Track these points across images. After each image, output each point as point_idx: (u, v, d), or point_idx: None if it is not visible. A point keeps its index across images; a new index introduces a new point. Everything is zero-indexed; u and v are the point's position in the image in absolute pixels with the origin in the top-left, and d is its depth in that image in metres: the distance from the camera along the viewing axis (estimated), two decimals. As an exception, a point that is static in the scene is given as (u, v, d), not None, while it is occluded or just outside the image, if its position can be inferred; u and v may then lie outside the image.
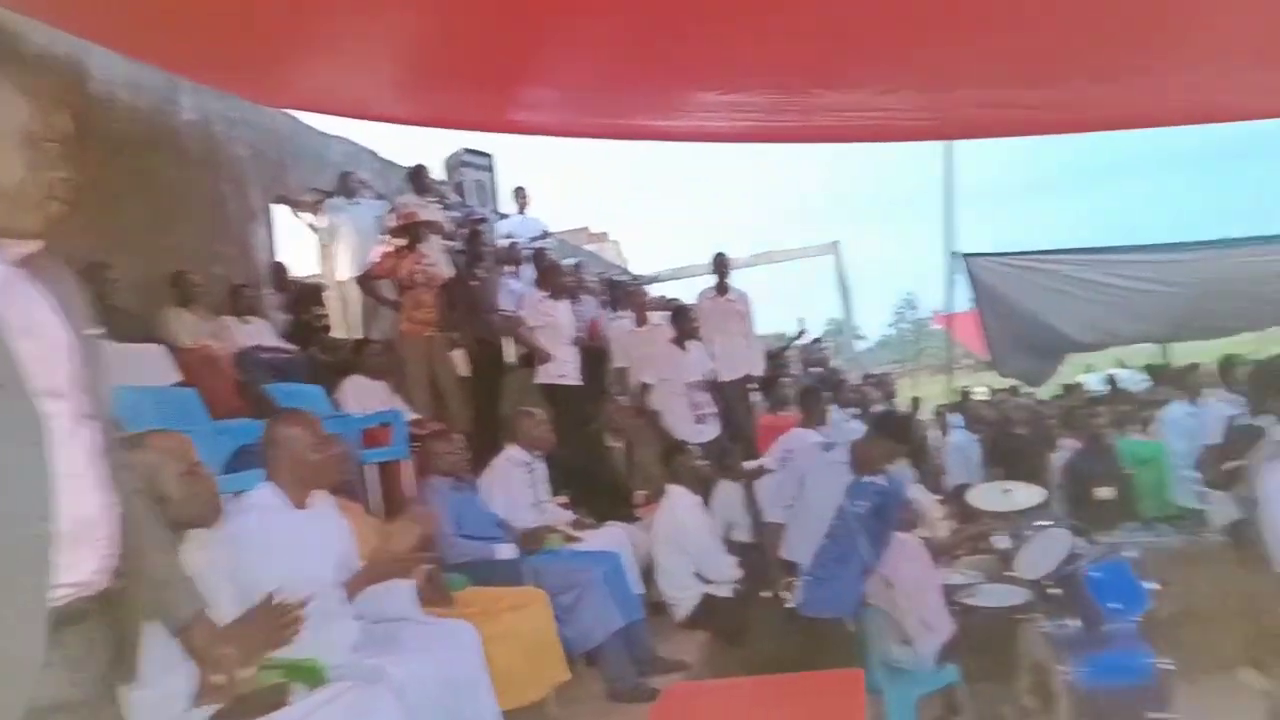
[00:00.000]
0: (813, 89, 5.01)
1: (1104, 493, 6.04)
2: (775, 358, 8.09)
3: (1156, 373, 8.52)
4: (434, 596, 3.10)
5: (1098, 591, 4.32)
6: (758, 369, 7.09)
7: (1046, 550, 4.63)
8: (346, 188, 7.12)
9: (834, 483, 4.11)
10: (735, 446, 5.85)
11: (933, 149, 7.60)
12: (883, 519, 4.42)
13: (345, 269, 6.70)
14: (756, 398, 7.41)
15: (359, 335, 6.44)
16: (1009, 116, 5.20)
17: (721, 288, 7.04)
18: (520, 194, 9.22)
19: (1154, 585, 4.36)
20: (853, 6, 4.00)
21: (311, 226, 7.17)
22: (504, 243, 8.06)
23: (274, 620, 1.84)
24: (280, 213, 7.21)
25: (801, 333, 8.83)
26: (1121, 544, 5.01)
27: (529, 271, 7.27)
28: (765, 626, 4.38)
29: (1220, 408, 5.74)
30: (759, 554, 4.78)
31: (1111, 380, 10.63)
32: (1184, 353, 9.66)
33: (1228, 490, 4.87)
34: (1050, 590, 4.48)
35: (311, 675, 2.24)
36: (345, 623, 2.52)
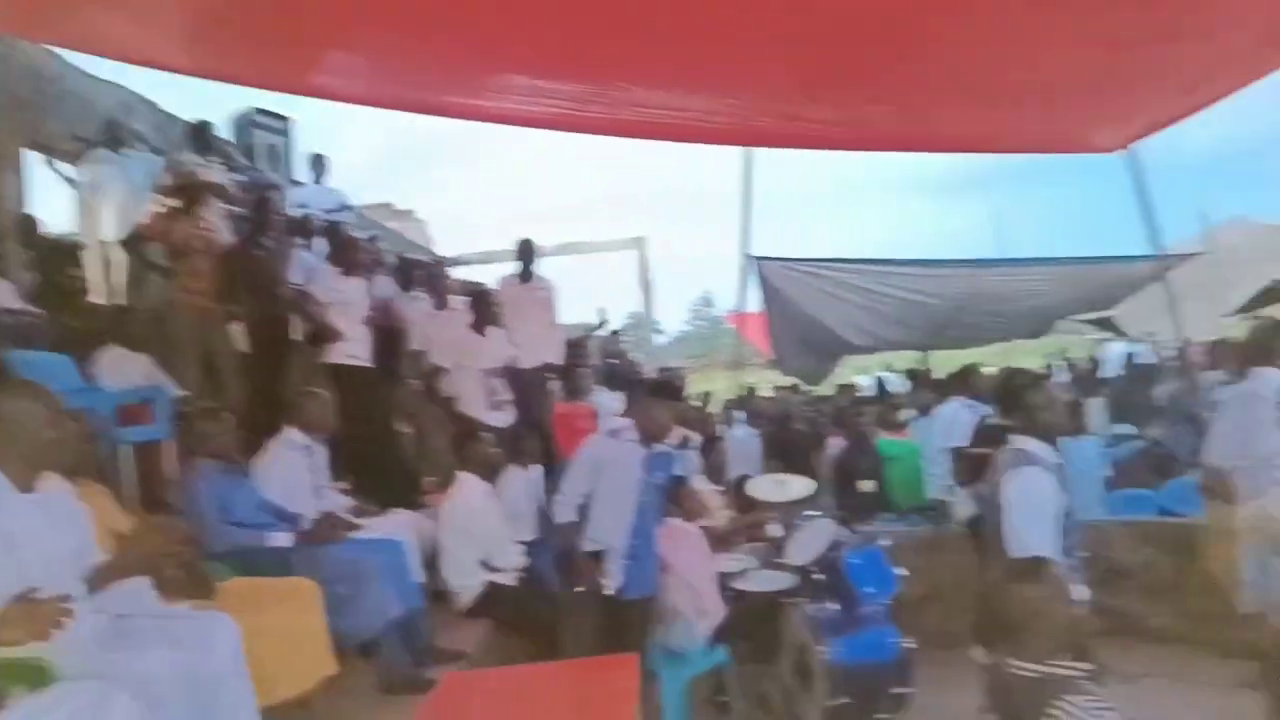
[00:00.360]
0: (620, 83, 5.07)
1: (865, 486, 6.58)
2: (575, 347, 8.15)
3: (916, 376, 9.35)
4: (193, 588, 2.88)
5: (855, 576, 4.70)
6: (557, 357, 7.12)
7: (813, 538, 4.98)
8: (114, 138, 6.44)
9: (631, 462, 4.22)
10: (528, 434, 5.85)
11: (734, 153, 7.90)
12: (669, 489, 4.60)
13: (109, 228, 6.07)
14: (554, 386, 7.44)
15: (122, 302, 5.86)
16: (800, 130, 5.49)
17: (526, 275, 7.01)
18: (318, 162, 8.72)
19: (903, 571, 4.81)
20: (659, 5, 4.08)
21: (69, 179, 6.44)
22: (297, 213, 7.61)
23: (33, 615, 1.67)
24: (34, 161, 6.42)
25: (602, 323, 8.95)
26: (878, 533, 5.47)
27: (322, 245, 6.90)
28: (552, 614, 4.42)
29: (969, 412, 6.31)
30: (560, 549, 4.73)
31: (879, 382, 11.56)
32: (942, 360, 10.64)
33: (972, 486, 5.40)
34: (814, 576, 4.82)
35: (35, 675, 2.02)
36: (80, 616, 2.29)
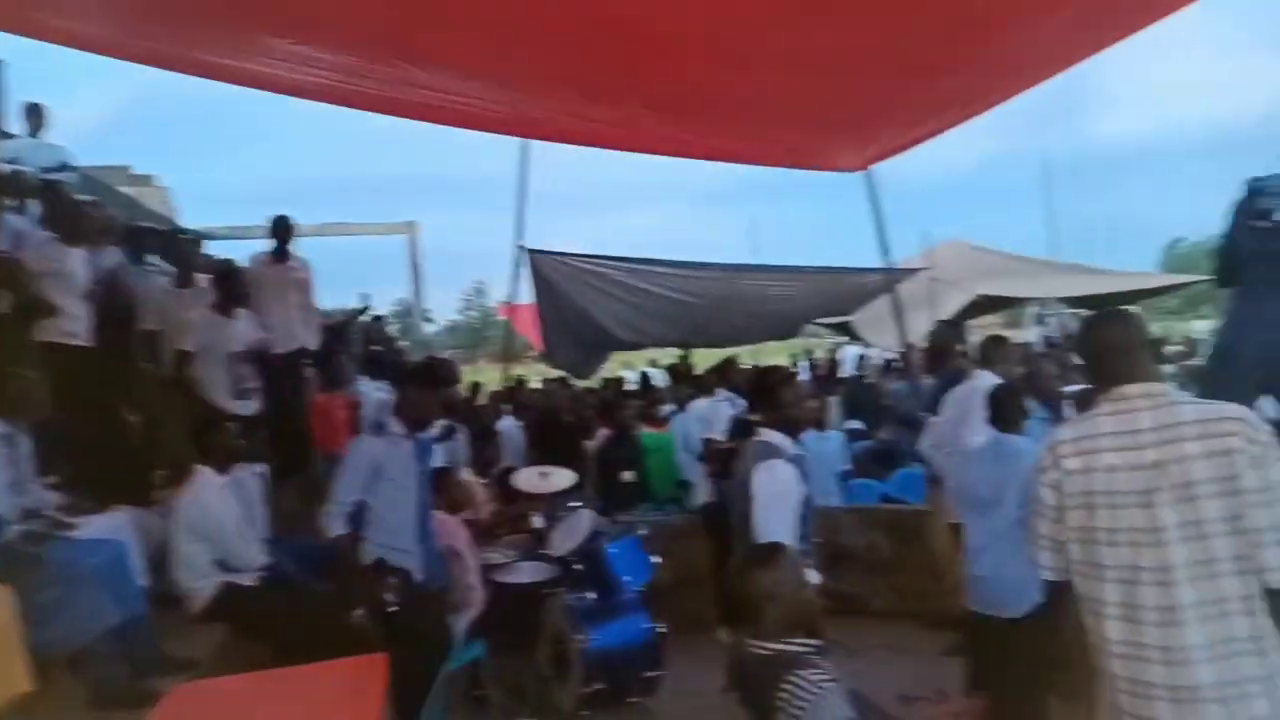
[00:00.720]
0: (394, 60, 4.89)
1: (627, 476, 6.79)
2: (335, 333, 7.74)
3: (677, 372, 9.76)
4: None
5: (614, 565, 4.85)
6: (313, 343, 6.72)
7: (574, 529, 5.07)
8: None
9: (405, 456, 4.06)
10: (261, 429, 5.44)
11: (512, 144, 7.85)
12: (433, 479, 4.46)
13: None
14: (311, 374, 7.02)
15: None
16: (575, 126, 5.56)
17: (281, 254, 6.55)
18: (34, 112, 7.61)
19: (657, 559, 5.02)
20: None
21: None
22: (5, 169, 6.62)
23: None
24: None
25: (365, 308, 8.54)
26: (636, 522, 5.67)
27: (37, 208, 6.05)
28: (297, 615, 4.17)
29: (728, 405, 6.66)
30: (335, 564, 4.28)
31: (644, 377, 11.96)
32: (703, 357, 11.20)
33: (724, 476, 5.70)
34: (575, 566, 4.92)
35: None
36: None
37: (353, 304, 8.92)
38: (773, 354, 17.31)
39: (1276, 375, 3.57)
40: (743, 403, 6.11)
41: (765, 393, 3.75)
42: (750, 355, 14.61)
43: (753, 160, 6.69)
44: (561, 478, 5.52)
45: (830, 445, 7.35)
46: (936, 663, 5.16)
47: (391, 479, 3.96)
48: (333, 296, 9.82)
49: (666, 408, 8.27)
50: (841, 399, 9.96)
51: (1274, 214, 3.55)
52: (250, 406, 5.84)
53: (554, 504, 5.46)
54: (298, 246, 6.69)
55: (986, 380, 4.63)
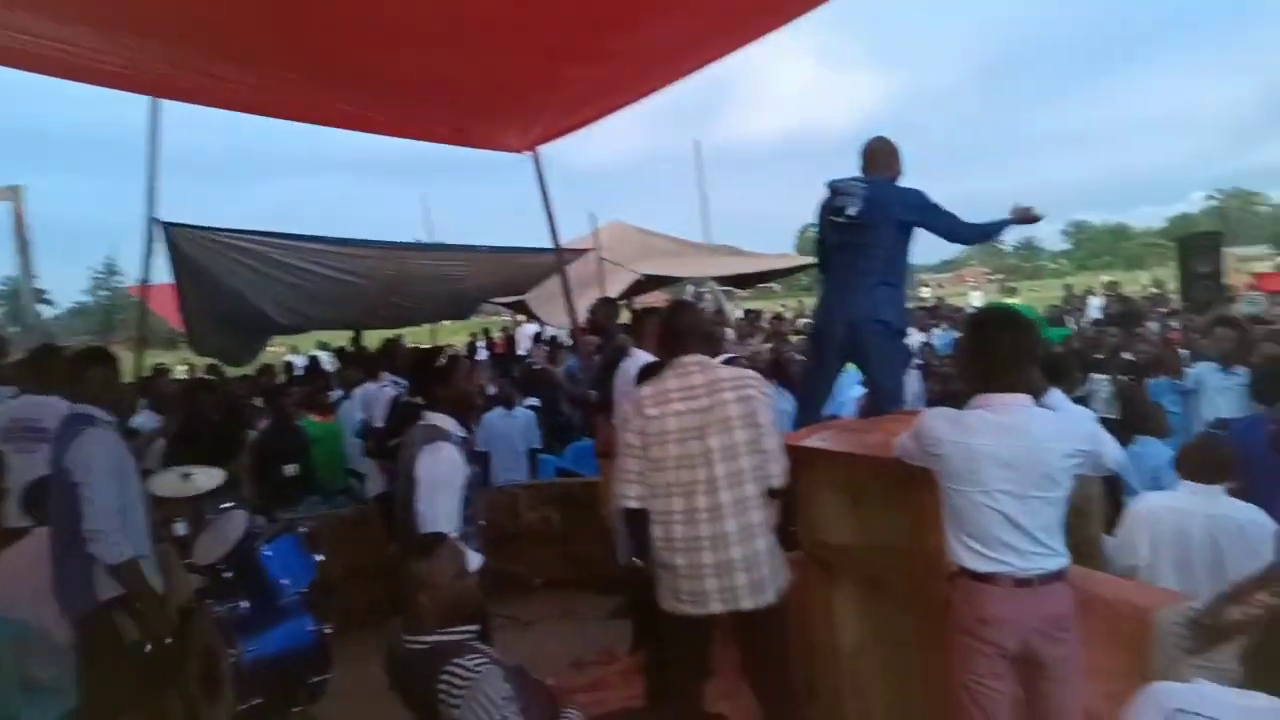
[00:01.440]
0: (-39, -5, 4.06)
1: (289, 470, 6.34)
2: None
3: (345, 355, 9.27)
4: None
5: (269, 568, 4.49)
6: None
7: (222, 533, 4.63)
8: None
9: (123, 444, 3.56)
10: None
11: (141, 103, 6.85)
12: None
13: None
14: None
15: None
16: (206, 85, 4.98)
17: None
18: None
19: (320, 556, 4.73)
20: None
21: None
22: None
23: None
24: None
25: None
26: (298, 519, 5.30)
27: None
28: None
29: (394, 389, 6.44)
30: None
31: (313, 360, 11.24)
32: (376, 339, 10.73)
33: (388, 463, 5.50)
34: (224, 574, 4.49)
35: None
36: None
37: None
38: (450, 334, 17.15)
39: (855, 349, 4.12)
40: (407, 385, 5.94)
41: (427, 375, 3.69)
42: (427, 335, 14.33)
43: (415, 135, 6.46)
44: (206, 478, 4.99)
45: (517, 422, 7.43)
46: (605, 626, 5.44)
47: (131, 476, 3.52)
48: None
49: (335, 393, 7.84)
50: (518, 377, 10.10)
51: (846, 210, 4.07)
52: None
53: (199, 508, 4.94)
54: None
55: (643, 358, 4.85)
